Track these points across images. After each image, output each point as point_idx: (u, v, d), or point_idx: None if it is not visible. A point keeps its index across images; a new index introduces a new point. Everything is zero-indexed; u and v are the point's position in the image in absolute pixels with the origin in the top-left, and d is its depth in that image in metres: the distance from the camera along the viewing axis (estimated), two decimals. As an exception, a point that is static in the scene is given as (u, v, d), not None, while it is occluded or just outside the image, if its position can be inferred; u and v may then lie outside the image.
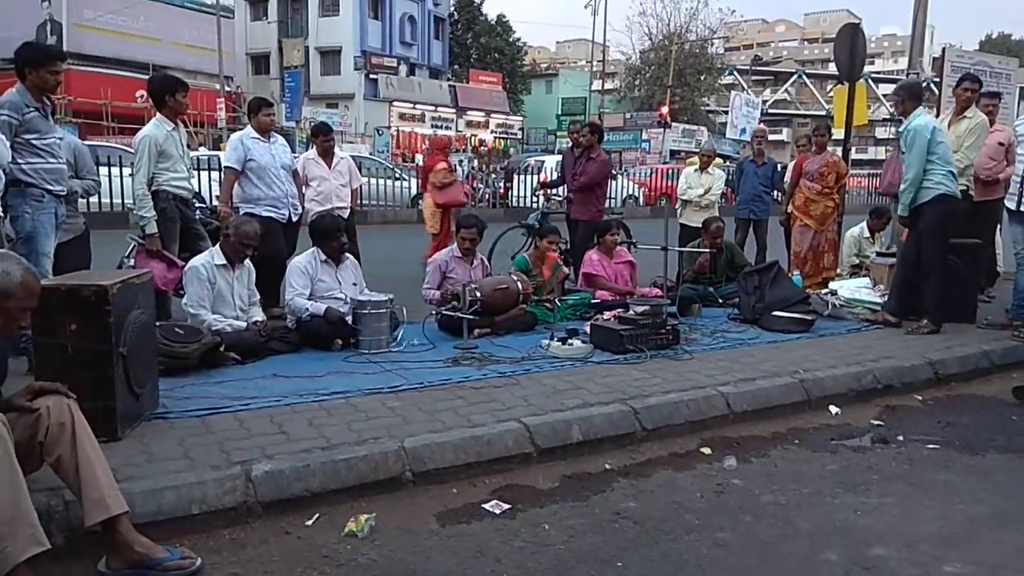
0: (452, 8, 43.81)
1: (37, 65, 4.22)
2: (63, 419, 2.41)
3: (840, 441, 3.76)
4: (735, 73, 43.32)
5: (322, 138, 6.56)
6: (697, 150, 8.40)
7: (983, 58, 9.73)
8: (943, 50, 9.22)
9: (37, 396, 2.46)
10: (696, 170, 8.21)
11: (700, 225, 7.28)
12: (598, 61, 38.45)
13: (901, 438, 3.78)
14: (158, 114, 5.12)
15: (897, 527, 2.82)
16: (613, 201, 18.72)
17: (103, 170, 10.71)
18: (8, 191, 4.14)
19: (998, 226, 7.08)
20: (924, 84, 6.88)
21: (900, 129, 5.68)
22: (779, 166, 8.98)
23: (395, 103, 35.16)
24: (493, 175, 19.98)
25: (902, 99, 5.63)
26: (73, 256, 4.75)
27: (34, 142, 4.21)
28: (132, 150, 5.32)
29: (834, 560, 2.58)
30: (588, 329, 5.02)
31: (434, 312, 5.33)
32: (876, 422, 4.06)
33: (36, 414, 2.39)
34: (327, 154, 6.53)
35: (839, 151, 8.35)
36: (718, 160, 21.63)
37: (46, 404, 2.42)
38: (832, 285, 6.62)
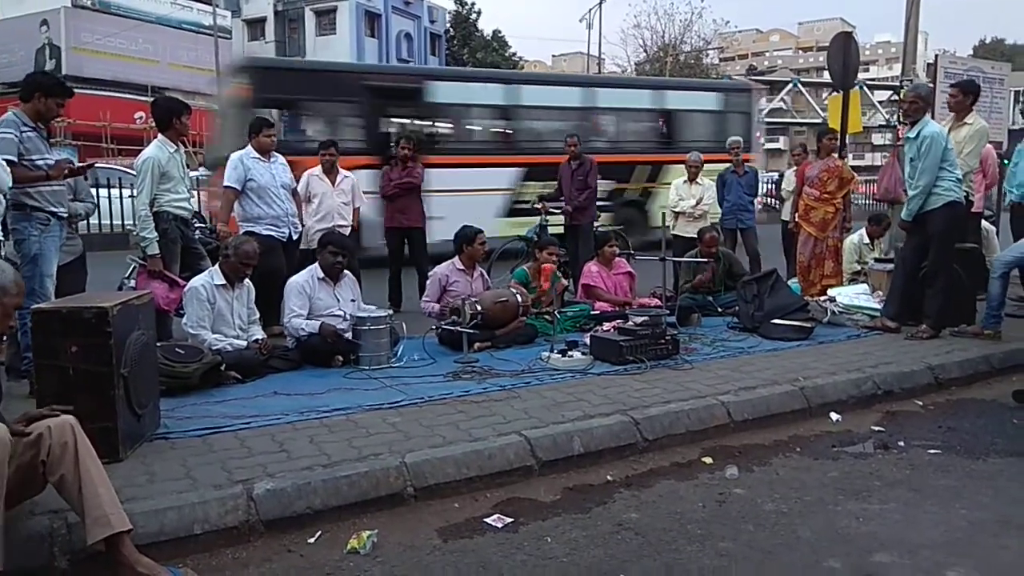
0: (448, 24, 44.09)
1: (48, 93, 4.25)
2: (65, 438, 2.42)
3: (841, 448, 3.76)
4: (730, 83, 43.50)
5: (322, 153, 6.59)
6: (695, 160, 8.34)
7: (976, 63, 9.76)
8: (936, 56, 9.26)
9: (33, 423, 2.47)
10: (685, 181, 8.24)
11: (693, 235, 7.30)
12: (594, 74, 38.67)
13: (902, 444, 3.79)
14: (160, 135, 5.16)
15: (899, 533, 2.82)
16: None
17: (103, 191, 10.81)
18: (12, 214, 4.16)
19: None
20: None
21: (908, 135, 5.61)
22: (772, 174, 8.98)
23: (393, 119, 35.34)
24: None
25: (918, 105, 5.56)
26: (71, 278, 4.78)
27: (38, 163, 4.23)
28: (133, 171, 5.35)
29: (837, 568, 2.58)
30: (588, 340, 5.03)
31: (434, 327, 5.35)
32: (877, 428, 4.06)
33: (38, 434, 2.40)
34: (331, 170, 6.56)
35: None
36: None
37: (47, 424, 2.43)
38: (831, 292, 6.62)
